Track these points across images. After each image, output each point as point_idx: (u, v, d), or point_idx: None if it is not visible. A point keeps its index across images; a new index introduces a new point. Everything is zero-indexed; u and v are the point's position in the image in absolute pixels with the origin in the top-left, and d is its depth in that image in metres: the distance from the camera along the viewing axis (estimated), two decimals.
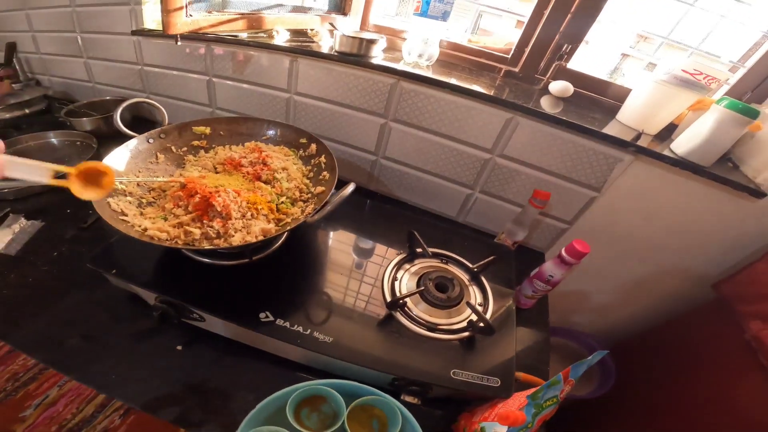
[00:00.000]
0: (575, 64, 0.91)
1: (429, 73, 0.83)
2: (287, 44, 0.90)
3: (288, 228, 0.57)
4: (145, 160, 0.71)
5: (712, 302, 0.91)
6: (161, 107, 0.76)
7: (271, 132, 0.81)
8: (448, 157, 0.91)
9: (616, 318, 1.09)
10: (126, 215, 0.58)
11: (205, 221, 0.57)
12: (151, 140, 0.73)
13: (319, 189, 0.69)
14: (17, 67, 1.26)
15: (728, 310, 0.83)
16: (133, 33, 1.00)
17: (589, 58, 0.97)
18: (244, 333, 0.60)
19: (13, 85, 1.21)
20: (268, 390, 0.52)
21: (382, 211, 0.89)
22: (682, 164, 0.75)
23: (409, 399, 0.57)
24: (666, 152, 0.76)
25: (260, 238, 0.56)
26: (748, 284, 0.82)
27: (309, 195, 0.70)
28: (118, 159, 0.68)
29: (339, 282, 0.68)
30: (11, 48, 1.20)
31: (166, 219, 0.60)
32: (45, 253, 0.76)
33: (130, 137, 0.71)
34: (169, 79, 1.07)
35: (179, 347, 0.63)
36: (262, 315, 0.59)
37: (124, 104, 0.75)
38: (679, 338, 0.97)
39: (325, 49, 0.90)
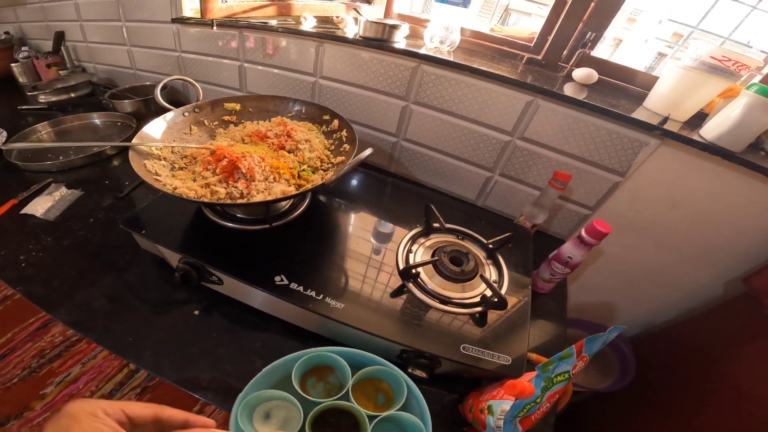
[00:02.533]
0: (603, 55, 0.89)
1: (449, 57, 0.84)
2: (314, 30, 0.94)
3: (306, 189, 0.59)
4: (179, 131, 0.75)
5: (741, 297, 0.87)
6: (196, 84, 0.80)
7: (296, 108, 0.85)
8: (468, 139, 0.91)
9: (638, 311, 1.05)
10: (159, 176, 0.62)
11: (230, 182, 0.60)
12: (186, 114, 0.77)
13: (339, 159, 0.71)
14: (65, 55, 1.35)
15: (758, 305, 0.79)
16: (173, 21, 1.06)
17: (624, 58, 0.95)
18: (259, 296, 0.61)
19: (60, 72, 1.30)
20: (279, 357, 0.53)
21: (402, 191, 0.90)
22: (711, 149, 0.72)
23: (416, 372, 0.56)
24: (695, 138, 0.74)
25: (279, 196, 0.58)
26: None
27: (330, 165, 0.72)
28: (155, 128, 0.72)
29: (355, 253, 0.70)
30: (59, 37, 1.30)
31: (195, 180, 0.63)
32: (82, 219, 0.80)
33: (168, 110, 0.75)
34: (204, 65, 1.13)
35: (197, 312, 0.65)
36: (277, 278, 0.60)
37: (165, 80, 0.80)
38: (704, 334, 0.93)
39: (349, 36, 0.93)
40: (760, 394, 0.74)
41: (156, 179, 0.60)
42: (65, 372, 1.31)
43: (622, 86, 0.90)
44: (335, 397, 0.50)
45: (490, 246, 0.73)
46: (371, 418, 0.49)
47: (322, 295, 0.59)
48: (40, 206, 0.81)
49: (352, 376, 0.51)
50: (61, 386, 1.27)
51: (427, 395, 0.51)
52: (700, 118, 0.80)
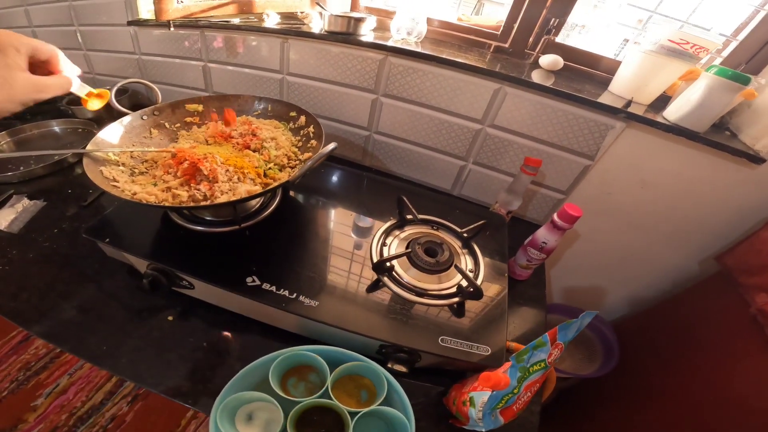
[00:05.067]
0: (574, 44, 0.91)
1: (415, 48, 0.84)
2: (278, 26, 0.93)
3: (271, 187, 0.58)
4: (138, 135, 0.73)
5: (716, 276, 0.89)
6: (154, 86, 0.79)
7: (261, 107, 0.83)
8: (439, 129, 0.92)
9: (619, 294, 1.08)
10: (117, 182, 0.60)
11: (192, 185, 0.59)
12: (144, 117, 0.75)
13: (307, 155, 0.71)
14: None
15: (732, 283, 0.82)
16: (129, 23, 1.04)
17: (591, 44, 0.96)
18: (231, 298, 0.61)
19: None
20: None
21: (377, 184, 0.90)
22: (675, 130, 0.74)
23: (396, 367, 0.56)
24: (658, 119, 0.76)
25: (244, 196, 0.57)
26: (752, 254, 0.81)
27: (297, 161, 0.72)
28: (111, 133, 0.70)
29: (330, 249, 0.69)
30: None
31: (156, 185, 0.61)
32: (46, 230, 0.78)
33: (125, 114, 0.73)
34: (166, 67, 1.10)
35: (171, 317, 0.64)
36: (248, 279, 0.59)
37: (120, 84, 0.77)
38: (683, 315, 0.95)
39: (315, 30, 0.92)
40: (740, 371, 0.77)
41: (114, 186, 0.59)
42: (53, 383, 1.31)
43: (588, 72, 0.92)
44: (315, 396, 0.50)
45: (465, 235, 0.73)
46: (352, 414, 0.49)
47: (295, 294, 0.59)
48: (2, 219, 0.78)
49: (331, 374, 0.52)
50: (51, 397, 1.26)
51: (412, 388, 0.52)
52: (663, 101, 0.82)
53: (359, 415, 0.49)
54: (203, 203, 0.57)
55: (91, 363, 0.57)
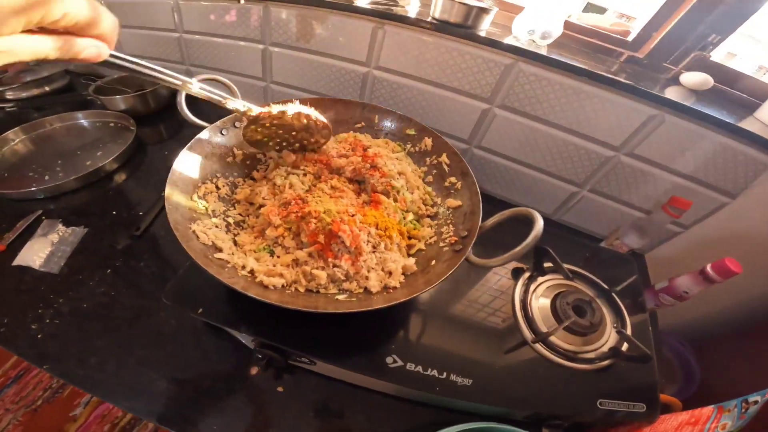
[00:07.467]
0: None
1: (556, 56, 0.63)
2: (370, 7, 0.69)
3: (444, 277, 0.38)
4: (221, 159, 0.52)
5: None
6: (232, 84, 0.56)
7: (368, 118, 0.60)
8: (559, 151, 0.73)
9: (698, 311, 0.95)
10: (221, 251, 0.41)
11: (329, 258, 0.40)
12: (224, 131, 0.53)
13: (453, 202, 0.50)
14: None
15: None
16: None
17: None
18: (365, 380, 0.47)
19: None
20: None
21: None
22: None
23: None
24: None
25: (401, 280, 0.40)
26: None
27: (435, 209, 0.52)
28: (189, 162, 0.48)
29: (460, 309, 0.53)
30: None
31: (272, 252, 0.42)
32: (95, 269, 0.59)
33: (199, 128, 0.51)
34: (214, 48, 0.84)
35: (281, 389, 0.50)
36: (389, 360, 0.45)
37: (193, 90, 0.54)
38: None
39: (411, 15, 0.69)
40: None
41: (219, 260, 0.39)
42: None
43: (726, 91, 0.73)
44: None
45: (614, 294, 0.58)
46: None
47: (445, 374, 0.46)
48: (35, 254, 0.58)
49: None
50: (89, 407, 1.11)
51: None
52: None
53: None
54: (347, 285, 0.39)
55: None
